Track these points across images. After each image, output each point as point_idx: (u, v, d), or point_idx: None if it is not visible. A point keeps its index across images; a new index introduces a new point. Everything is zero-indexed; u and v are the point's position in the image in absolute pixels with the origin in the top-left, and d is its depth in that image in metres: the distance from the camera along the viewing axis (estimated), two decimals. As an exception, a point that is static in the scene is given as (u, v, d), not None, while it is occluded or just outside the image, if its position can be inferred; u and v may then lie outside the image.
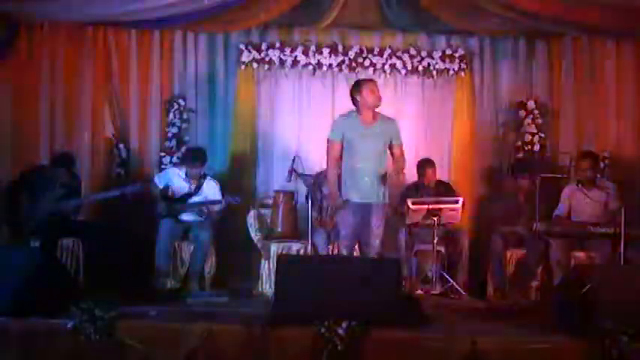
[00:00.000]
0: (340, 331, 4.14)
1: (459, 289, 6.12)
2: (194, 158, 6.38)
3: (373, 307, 4.40)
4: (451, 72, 7.14)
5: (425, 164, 6.61)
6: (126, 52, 6.99)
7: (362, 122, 5.35)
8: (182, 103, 6.98)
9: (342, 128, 5.38)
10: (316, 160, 6.48)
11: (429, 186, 6.56)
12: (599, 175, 6.36)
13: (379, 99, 5.33)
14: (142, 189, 6.31)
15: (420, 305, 4.97)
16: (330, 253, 5.98)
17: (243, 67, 7.08)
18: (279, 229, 6.42)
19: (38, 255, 4.99)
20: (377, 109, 5.40)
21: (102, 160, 6.94)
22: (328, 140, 5.44)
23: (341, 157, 5.42)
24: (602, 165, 6.67)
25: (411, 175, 6.68)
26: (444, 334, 4.40)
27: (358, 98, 5.33)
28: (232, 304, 5.56)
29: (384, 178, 5.32)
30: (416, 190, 6.55)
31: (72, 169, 6.25)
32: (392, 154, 5.43)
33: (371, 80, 5.53)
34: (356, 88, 5.37)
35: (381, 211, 5.38)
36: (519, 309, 5.51)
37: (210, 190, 6.44)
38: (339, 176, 5.40)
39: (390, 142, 5.37)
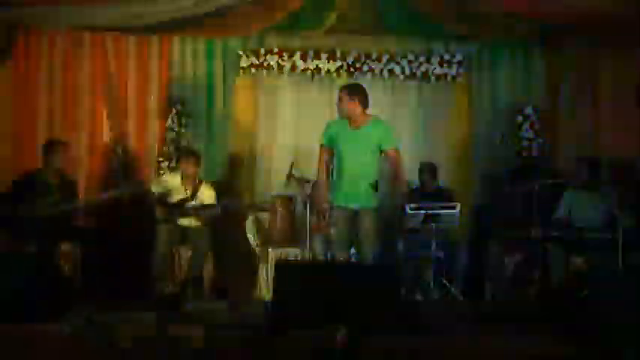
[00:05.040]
0: (339, 337, 4.14)
1: (457, 294, 6.11)
2: (187, 154, 6.42)
3: (372, 312, 4.40)
4: (449, 77, 7.15)
5: (426, 168, 6.61)
6: (124, 57, 7.00)
7: (349, 126, 5.39)
8: (180, 108, 6.98)
9: (330, 133, 5.44)
10: (315, 166, 6.47)
11: (429, 192, 6.56)
12: (602, 181, 6.37)
13: (345, 111, 5.33)
14: (140, 188, 6.32)
15: (418, 311, 4.96)
16: (329, 258, 5.97)
17: (241, 72, 7.10)
18: (278, 235, 6.41)
19: (36, 260, 4.98)
20: (370, 113, 5.43)
21: (100, 164, 6.94)
22: (319, 145, 5.50)
23: (332, 162, 5.46)
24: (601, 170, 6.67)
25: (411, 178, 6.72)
26: (442, 339, 4.40)
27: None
28: (231, 310, 5.55)
29: (375, 184, 5.34)
30: (417, 195, 6.54)
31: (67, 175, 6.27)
32: (387, 158, 5.44)
33: (344, 88, 5.47)
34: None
35: (372, 215, 5.38)
36: (518, 314, 5.50)
37: (206, 195, 6.45)
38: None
39: (381, 145, 5.38)
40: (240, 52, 7.07)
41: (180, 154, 6.51)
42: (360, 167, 5.35)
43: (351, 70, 7.10)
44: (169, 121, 6.95)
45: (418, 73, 7.13)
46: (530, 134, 6.99)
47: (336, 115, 5.59)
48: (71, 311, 4.36)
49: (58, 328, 4.34)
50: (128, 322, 4.55)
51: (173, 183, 6.43)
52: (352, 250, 5.87)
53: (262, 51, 7.07)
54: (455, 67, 7.13)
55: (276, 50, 7.08)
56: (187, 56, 7.13)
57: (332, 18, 6.65)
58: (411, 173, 6.66)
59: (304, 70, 7.11)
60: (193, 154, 6.45)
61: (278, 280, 4.63)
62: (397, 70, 7.11)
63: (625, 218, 5.72)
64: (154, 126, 7.03)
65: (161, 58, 7.06)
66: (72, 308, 4.39)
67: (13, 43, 6.64)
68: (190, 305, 5.64)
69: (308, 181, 6.20)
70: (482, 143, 7.20)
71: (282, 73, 7.13)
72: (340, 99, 5.36)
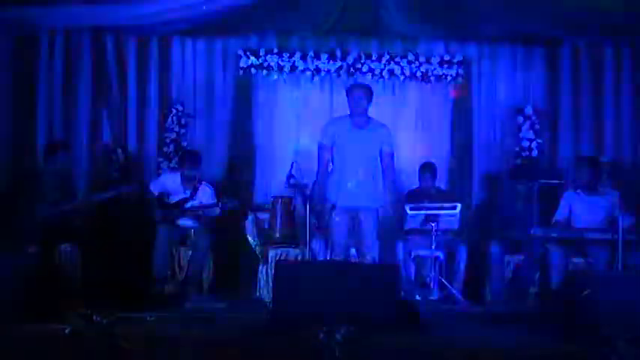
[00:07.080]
0: (338, 337, 4.13)
1: (457, 294, 6.11)
2: (190, 160, 6.40)
3: (372, 312, 4.39)
4: (449, 78, 7.15)
5: (426, 168, 6.61)
6: (124, 57, 7.00)
7: (352, 126, 5.39)
8: (180, 108, 6.99)
9: (331, 132, 5.44)
10: (314, 166, 6.47)
11: (429, 193, 6.56)
12: (602, 182, 6.37)
13: (359, 105, 5.35)
14: (139, 188, 6.32)
15: (418, 311, 4.96)
16: (329, 258, 5.97)
17: (241, 72, 7.09)
18: (278, 235, 6.41)
19: (36, 260, 4.97)
20: (370, 115, 5.44)
21: (100, 165, 6.93)
22: (319, 144, 5.47)
23: (332, 161, 5.46)
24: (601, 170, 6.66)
25: (409, 179, 6.71)
26: (442, 340, 4.40)
27: (348, 103, 5.38)
28: (230, 310, 5.55)
29: (377, 184, 5.34)
30: (416, 196, 6.54)
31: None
32: (382, 161, 5.43)
33: (357, 85, 5.56)
34: (346, 93, 5.45)
35: (373, 215, 5.38)
36: (518, 315, 5.50)
37: (206, 195, 6.45)
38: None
39: (381, 147, 5.38)
40: (240, 53, 7.06)
41: (185, 157, 6.48)
42: (363, 167, 5.36)
43: (352, 70, 7.10)
44: (169, 121, 6.96)
45: (418, 74, 7.12)
46: (530, 134, 6.99)
47: (335, 114, 5.59)
48: (71, 311, 4.34)
49: (58, 328, 4.34)
50: (128, 322, 4.55)
51: (173, 183, 6.43)
52: (352, 251, 5.89)
53: (262, 51, 7.07)
54: (455, 67, 7.13)
55: (275, 51, 7.08)
56: (187, 56, 7.13)
57: (332, 18, 6.65)
58: (410, 174, 6.68)
59: (304, 71, 7.11)
60: (198, 156, 6.45)
61: (278, 280, 4.63)
62: (397, 70, 7.11)
63: (625, 218, 5.73)
64: (154, 126, 7.02)
65: (161, 58, 7.06)
66: (72, 308, 4.38)
67: (13, 43, 6.63)
68: (190, 305, 5.64)
69: (308, 182, 6.20)
70: (482, 143, 7.20)
71: (282, 73, 7.12)
72: (360, 97, 5.35)
